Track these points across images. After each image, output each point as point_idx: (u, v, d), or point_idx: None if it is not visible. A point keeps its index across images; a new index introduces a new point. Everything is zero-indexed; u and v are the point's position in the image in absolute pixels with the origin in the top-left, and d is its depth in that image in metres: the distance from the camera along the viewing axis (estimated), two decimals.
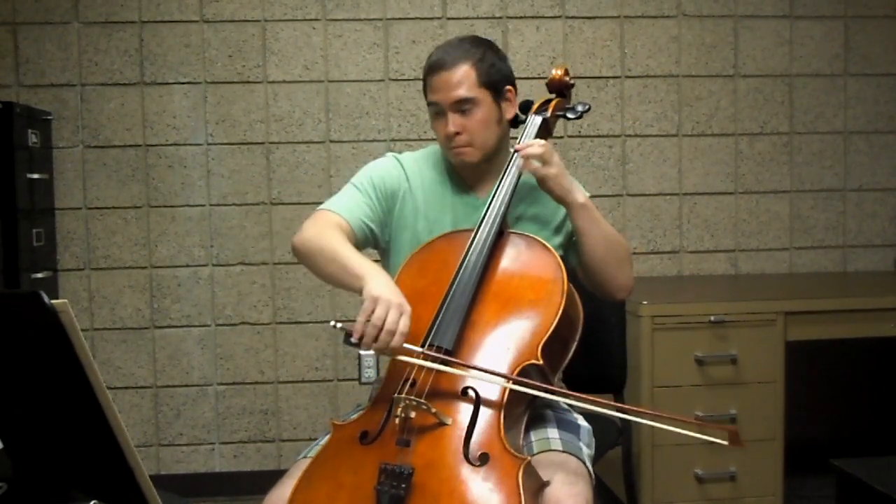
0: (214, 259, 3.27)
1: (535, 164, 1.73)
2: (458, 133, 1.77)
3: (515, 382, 1.51)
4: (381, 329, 1.50)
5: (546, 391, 1.53)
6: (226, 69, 3.25)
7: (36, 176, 3.02)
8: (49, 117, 3.16)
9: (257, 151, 3.27)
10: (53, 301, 1.04)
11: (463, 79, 1.76)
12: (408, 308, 1.54)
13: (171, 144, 3.25)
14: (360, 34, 3.28)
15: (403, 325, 1.51)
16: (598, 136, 3.37)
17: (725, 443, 1.46)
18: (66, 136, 3.22)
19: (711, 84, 3.41)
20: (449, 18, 3.28)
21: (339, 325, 1.52)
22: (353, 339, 1.50)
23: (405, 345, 1.52)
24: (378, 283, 1.56)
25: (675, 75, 3.39)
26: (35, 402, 1.21)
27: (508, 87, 1.84)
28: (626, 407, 1.53)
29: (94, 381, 1.07)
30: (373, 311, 1.51)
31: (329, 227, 1.74)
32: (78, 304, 3.21)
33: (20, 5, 3.18)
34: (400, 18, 3.28)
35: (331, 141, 3.29)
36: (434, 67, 1.79)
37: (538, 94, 1.94)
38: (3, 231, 2.86)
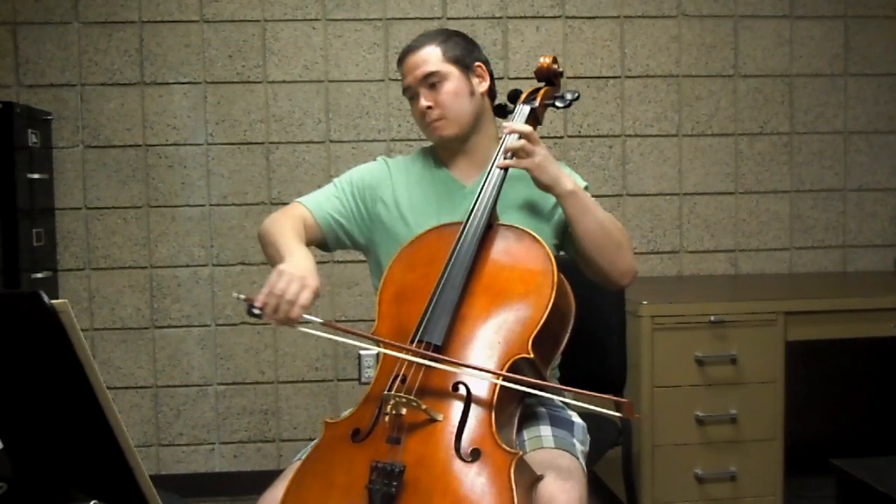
0: (214, 259, 3.27)
1: (514, 157, 1.72)
2: (430, 107, 1.82)
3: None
4: (281, 299, 1.53)
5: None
6: (226, 69, 3.25)
7: (36, 176, 3.02)
8: (49, 117, 3.17)
9: (257, 151, 3.27)
10: (53, 301, 1.04)
11: (428, 56, 1.84)
12: (311, 283, 1.56)
13: (171, 144, 3.25)
14: (360, 34, 3.28)
15: (304, 297, 1.54)
16: (598, 136, 3.37)
17: (619, 415, 1.45)
18: (66, 136, 3.22)
19: (711, 84, 3.41)
20: (449, 18, 3.28)
21: (242, 296, 1.57)
22: (254, 310, 1.55)
23: (305, 316, 1.54)
24: (290, 261, 1.61)
25: (675, 75, 3.39)
26: (35, 402, 1.21)
27: (478, 63, 1.88)
28: (532, 381, 1.52)
29: (94, 381, 1.07)
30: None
31: (288, 218, 1.82)
32: (78, 304, 3.21)
33: (20, 5, 3.18)
34: (400, 18, 3.28)
35: (331, 141, 3.29)
36: (402, 56, 1.88)
37: None
38: (3, 231, 2.86)
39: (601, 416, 2.25)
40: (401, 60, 1.87)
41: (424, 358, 1.52)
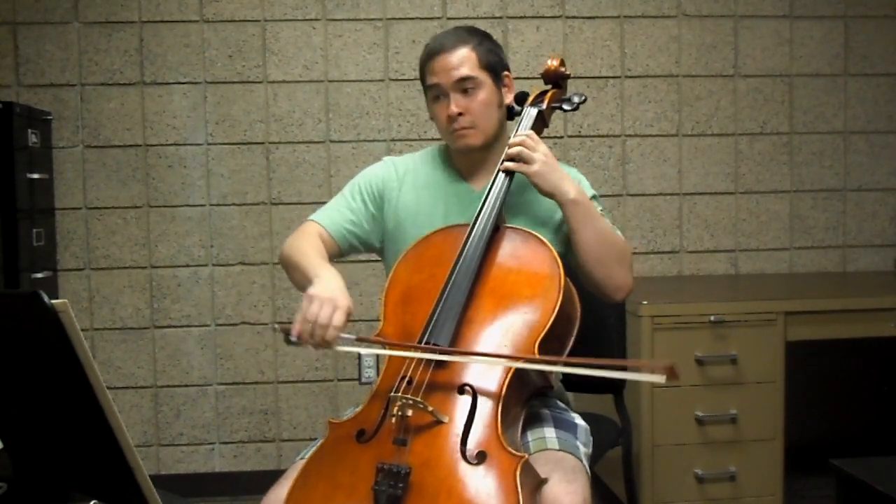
0: (214, 259, 3.27)
1: (511, 165, 1.72)
2: (460, 114, 1.77)
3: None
4: (315, 325, 1.54)
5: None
6: (226, 69, 3.25)
7: (36, 176, 3.02)
8: (49, 117, 3.16)
9: (257, 151, 3.27)
10: (53, 301, 1.04)
11: (464, 59, 1.77)
12: (343, 303, 1.56)
13: (171, 144, 3.25)
14: (360, 34, 3.28)
15: (337, 319, 1.55)
16: (598, 136, 3.37)
17: (663, 379, 1.41)
18: (66, 136, 3.22)
19: (711, 84, 3.41)
20: (449, 18, 3.28)
21: (277, 326, 1.57)
22: (292, 338, 1.56)
23: (343, 335, 1.56)
24: (319, 284, 1.61)
25: (675, 75, 3.39)
26: (35, 402, 1.21)
27: (506, 72, 1.85)
28: (545, 358, 1.53)
29: (94, 381, 1.06)
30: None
31: (306, 238, 1.82)
32: (78, 304, 3.21)
33: (20, 5, 3.18)
34: (400, 18, 3.28)
35: (331, 141, 3.29)
36: (434, 52, 1.80)
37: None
38: (3, 231, 2.86)
39: (605, 417, 2.25)
40: (430, 56, 1.80)
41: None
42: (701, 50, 3.39)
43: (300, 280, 1.72)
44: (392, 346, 1.59)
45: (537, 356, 1.52)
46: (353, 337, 1.58)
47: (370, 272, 3.25)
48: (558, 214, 1.83)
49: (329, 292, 1.58)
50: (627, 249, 1.80)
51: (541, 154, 1.72)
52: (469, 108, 1.77)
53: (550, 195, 1.73)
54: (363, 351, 1.64)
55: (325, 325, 1.54)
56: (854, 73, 3.46)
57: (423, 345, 1.56)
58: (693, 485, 2.75)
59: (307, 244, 1.79)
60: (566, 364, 1.55)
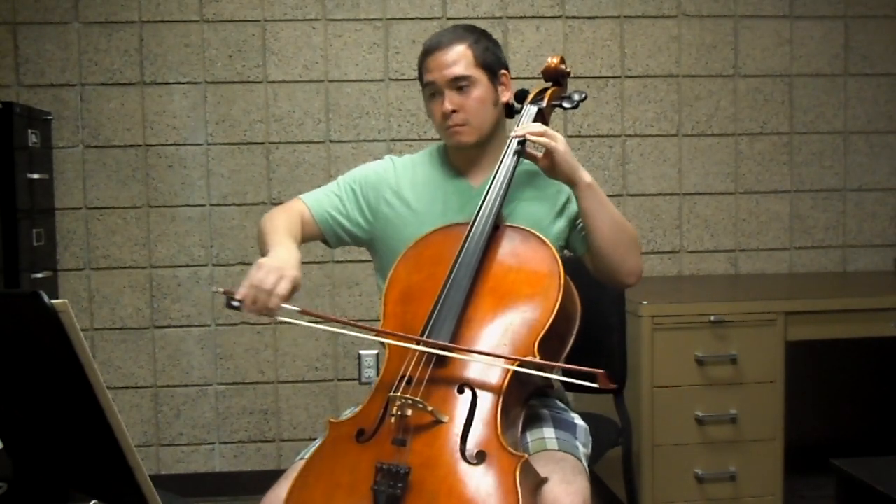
0: (214, 259, 3.27)
1: (542, 140, 1.71)
2: (454, 111, 1.78)
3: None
4: (259, 290, 1.55)
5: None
6: (226, 69, 3.25)
7: (36, 176, 3.02)
8: (49, 117, 3.16)
9: (257, 151, 3.27)
10: (53, 301, 1.03)
11: (459, 57, 1.79)
12: (289, 273, 1.57)
13: (171, 144, 3.25)
14: (360, 34, 3.28)
15: (282, 287, 1.55)
16: (598, 136, 3.37)
17: (595, 385, 1.42)
18: (66, 136, 3.22)
19: (711, 84, 3.41)
20: (449, 18, 3.29)
21: (221, 289, 1.60)
22: (234, 302, 1.56)
23: (284, 305, 1.56)
24: (272, 255, 1.63)
25: (675, 75, 3.39)
26: (35, 402, 1.21)
27: (503, 70, 1.86)
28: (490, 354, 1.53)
29: (94, 381, 1.06)
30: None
31: (285, 214, 1.82)
32: (78, 304, 3.21)
33: (20, 5, 3.18)
34: (400, 18, 3.28)
35: (331, 141, 3.29)
36: (430, 49, 1.82)
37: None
38: (3, 231, 2.86)
39: (605, 417, 2.25)
40: (427, 54, 1.82)
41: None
42: (701, 50, 3.39)
43: (262, 251, 1.74)
44: (343, 325, 1.59)
45: (537, 358, 1.52)
46: (296, 308, 1.57)
47: (370, 272, 3.25)
48: (559, 207, 1.84)
49: (278, 262, 1.60)
50: (636, 235, 1.84)
51: (561, 136, 1.73)
52: (463, 106, 1.78)
53: (568, 178, 1.74)
54: (305, 323, 1.64)
55: (268, 291, 1.55)
56: (854, 73, 3.46)
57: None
58: (693, 485, 2.75)
59: (283, 220, 1.79)
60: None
